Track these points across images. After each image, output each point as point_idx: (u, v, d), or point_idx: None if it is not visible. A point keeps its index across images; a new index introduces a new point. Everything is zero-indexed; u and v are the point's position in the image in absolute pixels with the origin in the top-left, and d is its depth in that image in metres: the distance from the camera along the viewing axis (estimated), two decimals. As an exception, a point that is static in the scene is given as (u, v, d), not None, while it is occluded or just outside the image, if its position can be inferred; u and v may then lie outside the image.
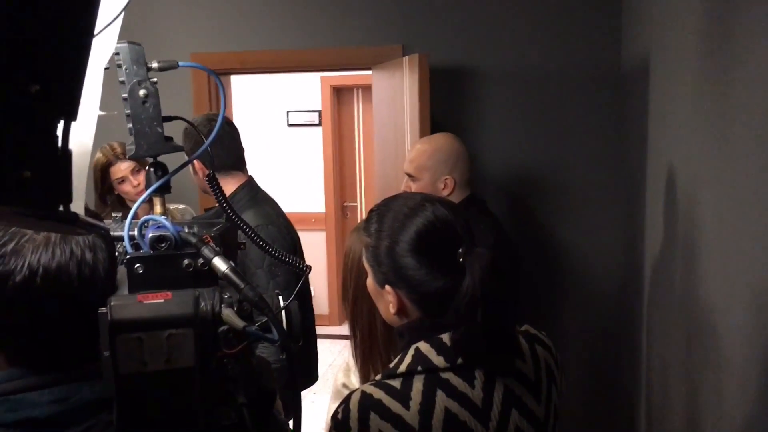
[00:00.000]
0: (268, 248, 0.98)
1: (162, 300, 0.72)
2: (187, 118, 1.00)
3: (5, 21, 0.50)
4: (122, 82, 0.84)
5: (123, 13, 0.80)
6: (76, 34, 0.56)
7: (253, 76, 6.00)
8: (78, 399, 0.85)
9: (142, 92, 0.86)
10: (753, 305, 1.36)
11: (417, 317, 1.24)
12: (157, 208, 0.92)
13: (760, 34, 1.32)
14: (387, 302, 1.25)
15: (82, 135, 0.79)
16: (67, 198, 0.59)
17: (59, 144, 0.57)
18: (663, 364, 2.26)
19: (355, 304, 1.50)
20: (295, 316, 0.96)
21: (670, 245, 2.12)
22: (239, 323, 0.75)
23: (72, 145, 0.67)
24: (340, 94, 6.33)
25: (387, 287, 1.23)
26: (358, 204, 6.49)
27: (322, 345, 5.72)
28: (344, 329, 4.11)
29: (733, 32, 1.50)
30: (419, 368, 1.16)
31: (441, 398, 1.15)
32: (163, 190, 0.92)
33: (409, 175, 2.27)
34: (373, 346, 1.50)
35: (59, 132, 0.57)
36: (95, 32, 0.59)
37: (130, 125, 0.86)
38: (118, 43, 0.83)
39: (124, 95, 0.85)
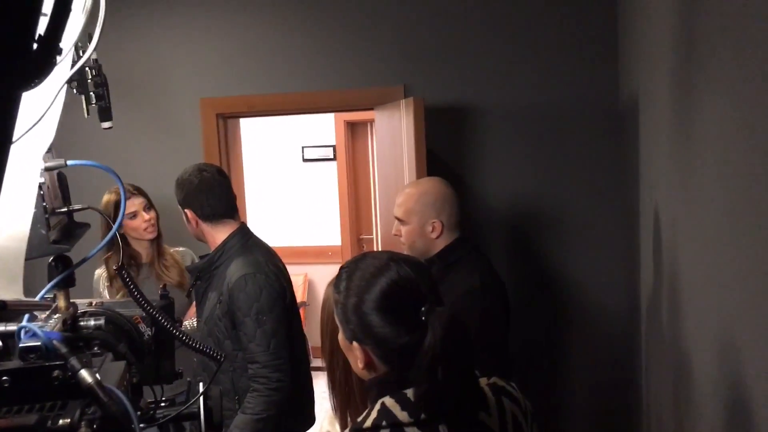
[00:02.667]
0: (179, 335, 1.00)
1: None
2: (98, 207, 1.01)
3: None
4: None
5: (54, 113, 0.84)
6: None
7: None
8: None
9: None
10: (718, 352, 1.37)
11: (384, 372, 1.27)
12: (60, 303, 0.93)
13: (717, 80, 1.35)
14: (355, 357, 1.29)
15: (18, 223, 0.82)
16: None
17: None
18: (658, 407, 2.24)
19: (332, 356, 1.54)
20: (215, 402, 0.96)
21: (659, 283, 2.13)
22: None
23: (8, 233, 0.71)
24: (353, 129, 6.41)
25: (354, 343, 1.28)
26: (374, 236, 6.52)
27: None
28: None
29: (694, 81, 1.54)
30: (384, 423, 1.20)
31: None
32: (67, 284, 0.93)
33: (398, 219, 2.31)
34: (350, 396, 1.54)
35: None
36: (14, 140, 0.63)
37: None
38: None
39: None
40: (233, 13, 3.48)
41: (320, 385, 3.13)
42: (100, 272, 2.96)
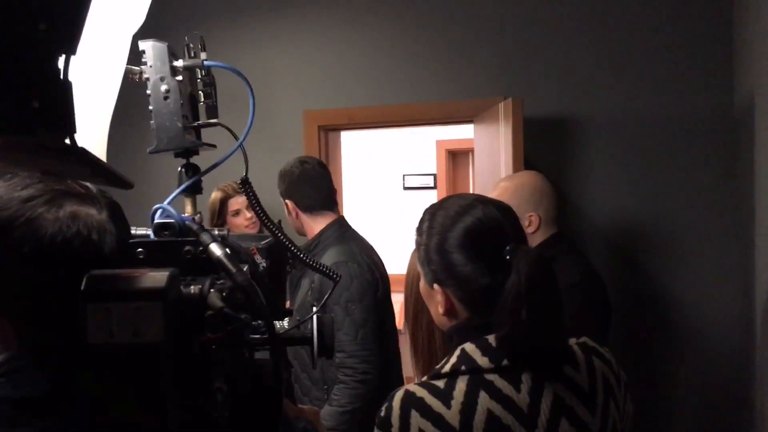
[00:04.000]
0: (295, 249, 0.99)
1: (138, 275, 0.71)
2: (230, 128, 1.04)
3: None
4: (147, 80, 0.90)
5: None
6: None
7: (370, 140, 6.22)
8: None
9: (163, 88, 0.89)
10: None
11: (465, 317, 1.24)
12: (188, 209, 0.96)
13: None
14: (436, 303, 1.26)
15: (106, 95, 0.84)
16: (71, 128, 0.61)
17: (61, 77, 0.62)
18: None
19: (416, 319, 1.52)
20: (327, 327, 0.95)
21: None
22: (218, 303, 0.74)
23: (96, 99, 0.71)
24: (455, 158, 6.40)
25: (436, 286, 1.25)
26: (473, 266, 6.43)
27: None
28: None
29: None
30: (463, 368, 1.15)
31: (484, 399, 1.12)
32: (194, 191, 0.96)
33: (493, 213, 2.25)
34: (432, 358, 1.51)
35: (61, 65, 0.62)
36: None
37: (153, 121, 0.90)
38: (142, 41, 0.91)
39: (148, 92, 0.90)
40: (336, 28, 3.57)
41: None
42: None
